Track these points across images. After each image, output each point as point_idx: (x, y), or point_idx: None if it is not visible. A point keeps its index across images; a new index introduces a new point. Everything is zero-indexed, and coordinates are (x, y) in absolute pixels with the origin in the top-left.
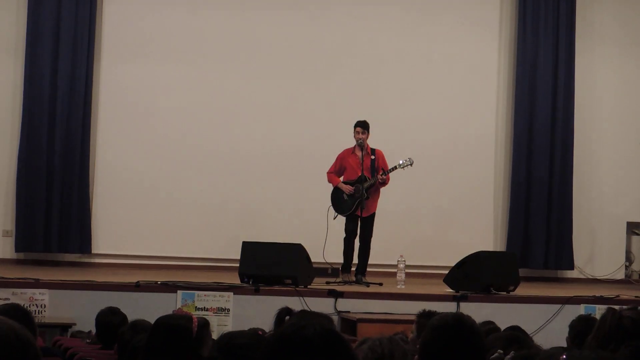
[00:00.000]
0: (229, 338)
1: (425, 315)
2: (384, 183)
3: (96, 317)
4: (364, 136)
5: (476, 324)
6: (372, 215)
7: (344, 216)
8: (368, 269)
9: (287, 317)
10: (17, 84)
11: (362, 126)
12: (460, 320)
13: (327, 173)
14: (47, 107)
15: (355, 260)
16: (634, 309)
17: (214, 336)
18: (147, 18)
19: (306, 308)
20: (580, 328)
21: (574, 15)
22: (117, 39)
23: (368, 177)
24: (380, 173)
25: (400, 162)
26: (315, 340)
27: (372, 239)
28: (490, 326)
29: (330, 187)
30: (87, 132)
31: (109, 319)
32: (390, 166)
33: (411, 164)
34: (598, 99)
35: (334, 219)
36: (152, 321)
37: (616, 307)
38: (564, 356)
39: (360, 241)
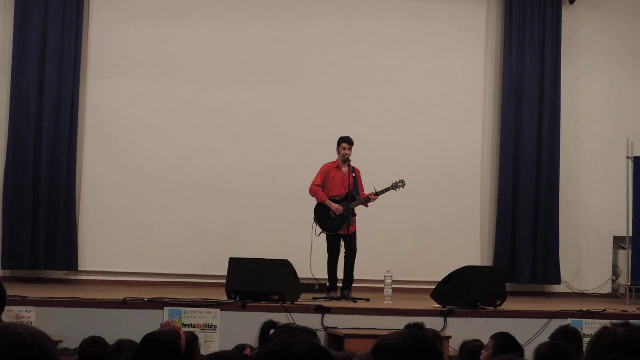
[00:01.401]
0: (214, 356)
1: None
2: (372, 202)
3: (79, 346)
4: (350, 152)
5: (437, 343)
6: (354, 232)
7: (329, 234)
8: (356, 285)
9: (272, 330)
10: (3, 100)
11: (349, 142)
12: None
13: (313, 185)
14: (34, 124)
15: (340, 276)
16: (626, 324)
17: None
18: (134, 35)
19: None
20: (561, 340)
21: (560, 29)
22: (103, 55)
23: (354, 195)
24: (374, 193)
25: (392, 183)
26: (303, 357)
27: (360, 254)
28: (476, 343)
29: (312, 199)
30: (73, 149)
31: (93, 350)
32: (379, 187)
33: (403, 186)
34: (584, 113)
35: (318, 235)
36: (139, 338)
37: (606, 321)
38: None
39: (346, 256)
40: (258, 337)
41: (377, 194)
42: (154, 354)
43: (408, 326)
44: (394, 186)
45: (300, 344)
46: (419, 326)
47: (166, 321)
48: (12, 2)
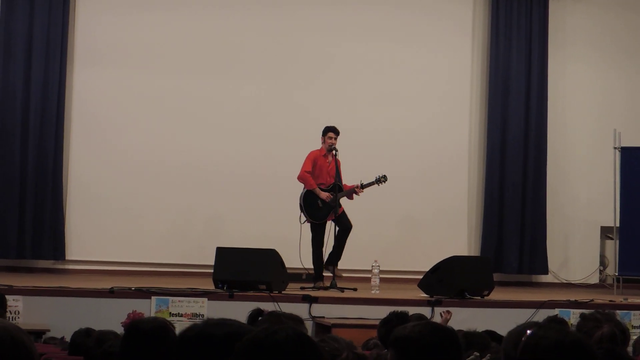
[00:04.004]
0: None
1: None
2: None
3: (72, 336)
4: (336, 142)
5: (454, 331)
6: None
7: (319, 222)
8: (344, 274)
9: (260, 319)
10: None
11: (335, 131)
12: (439, 329)
13: (304, 172)
14: (20, 115)
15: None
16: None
17: None
18: (121, 26)
19: None
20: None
21: (547, 20)
22: (89, 46)
23: (340, 185)
24: (359, 186)
25: (375, 177)
26: (286, 345)
27: (347, 244)
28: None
29: (298, 189)
30: (60, 139)
31: (83, 340)
32: (366, 180)
33: (385, 181)
34: (571, 104)
35: (303, 223)
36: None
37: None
38: (529, 332)
39: (340, 234)
40: None
41: (362, 187)
42: (140, 344)
43: (392, 315)
44: (378, 181)
45: (284, 332)
46: (404, 315)
47: (133, 310)
48: None
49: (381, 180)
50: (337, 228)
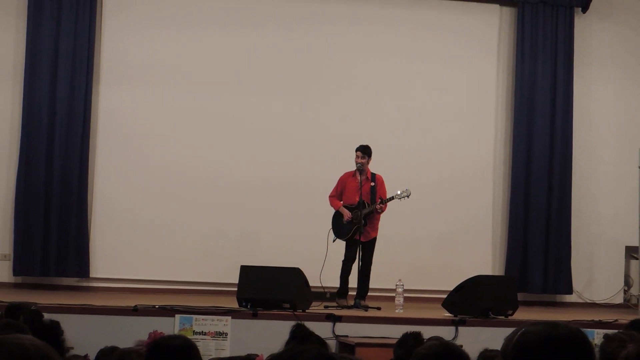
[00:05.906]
0: None
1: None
2: (382, 211)
3: (97, 354)
4: (363, 161)
5: (465, 352)
6: (373, 241)
7: (343, 240)
8: (368, 293)
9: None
10: (15, 108)
11: (362, 151)
12: (449, 348)
13: (329, 197)
14: (46, 131)
15: (353, 284)
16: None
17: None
18: (146, 43)
19: None
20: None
21: (573, 39)
22: (115, 63)
23: (367, 203)
24: (379, 202)
25: (398, 192)
26: None
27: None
28: (487, 354)
29: (326, 207)
30: (85, 156)
31: (108, 358)
32: (388, 194)
33: (408, 196)
34: (596, 123)
35: (333, 242)
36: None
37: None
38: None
39: (360, 266)
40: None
41: (382, 202)
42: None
43: (405, 336)
44: (400, 196)
45: (310, 352)
46: (418, 335)
47: (154, 330)
48: (25, 10)
49: (402, 195)
50: (360, 260)
